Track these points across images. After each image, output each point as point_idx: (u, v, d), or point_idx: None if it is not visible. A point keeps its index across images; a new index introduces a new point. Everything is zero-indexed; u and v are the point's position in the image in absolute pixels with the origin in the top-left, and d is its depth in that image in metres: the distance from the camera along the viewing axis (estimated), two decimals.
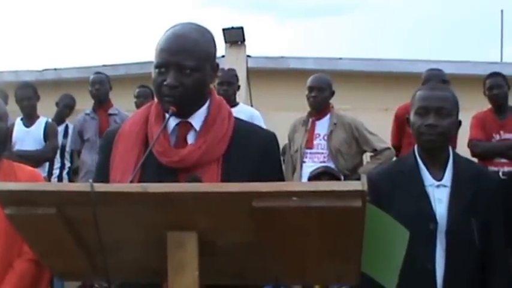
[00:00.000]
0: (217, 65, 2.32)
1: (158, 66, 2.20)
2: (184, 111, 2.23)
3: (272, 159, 2.32)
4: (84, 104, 7.37)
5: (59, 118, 7.51)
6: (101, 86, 6.90)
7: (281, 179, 2.40)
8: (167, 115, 2.22)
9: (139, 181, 2.12)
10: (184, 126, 2.25)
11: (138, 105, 6.89)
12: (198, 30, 2.26)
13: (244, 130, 2.31)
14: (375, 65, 9.67)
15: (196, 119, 2.25)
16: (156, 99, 2.31)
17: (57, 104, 7.78)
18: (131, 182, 2.02)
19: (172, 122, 2.25)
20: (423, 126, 2.88)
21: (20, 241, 2.85)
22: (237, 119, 2.34)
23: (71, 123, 7.38)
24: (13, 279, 3.11)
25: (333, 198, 1.60)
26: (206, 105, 2.28)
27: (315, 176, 5.14)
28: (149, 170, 2.16)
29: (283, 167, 3.99)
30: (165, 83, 2.18)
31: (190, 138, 2.25)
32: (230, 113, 2.32)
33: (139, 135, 2.26)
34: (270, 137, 2.36)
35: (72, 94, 8.04)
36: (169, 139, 2.24)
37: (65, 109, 7.73)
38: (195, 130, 2.25)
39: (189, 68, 2.17)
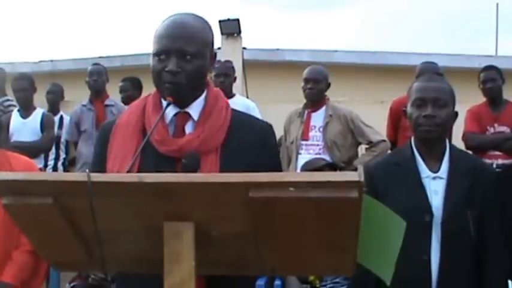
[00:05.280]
0: (215, 54, 2.33)
1: (158, 53, 2.21)
2: (183, 100, 2.24)
3: (269, 149, 2.34)
4: (80, 96, 7.36)
5: (52, 108, 7.49)
6: (99, 77, 6.90)
7: (278, 169, 2.41)
8: (165, 104, 2.22)
9: (138, 170, 2.13)
10: (183, 116, 2.26)
11: (124, 100, 7.02)
12: (197, 19, 2.28)
13: (242, 121, 2.32)
14: (370, 57, 9.67)
15: (194, 109, 2.26)
16: (155, 89, 2.31)
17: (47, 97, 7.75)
18: (129, 171, 2.03)
19: (171, 112, 2.25)
20: (421, 117, 2.88)
21: (18, 232, 2.87)
22: (234, 110, 2.35)
23: (66, 114, 7.37)
24: (12, 271, 3.13)
25: (329, 188, 1.61)
26: (203, 95, 2.29)
27: (319, 169, 5.12)
28: (148, 159, 2.17)
29: None
30: (166, 69, 2.18)
31: (189, 128, 2.25)
32: (227, 104, 2.33)
33: (137, 126, 2.26)
34: (267, 128, 2.37)
35: (66, 85, 8.03)
36: (168, 129, 2.24)
37: (52, 96, 7.67)
38: (193, 120, 2.25)
39: (190, 54, 2.18)
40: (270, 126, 2.41)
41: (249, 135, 2.27)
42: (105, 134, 2.33)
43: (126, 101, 6.93)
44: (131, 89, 7.22)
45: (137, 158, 2.12)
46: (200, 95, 2.29)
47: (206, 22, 2.31)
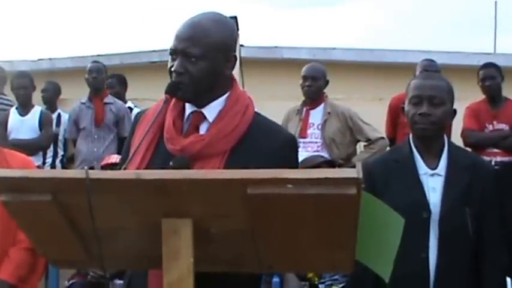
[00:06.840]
0: (235, 56, 2.27)
1: (170, 52, 2.21)
2: (191, 100, 2.22)
3: (284, 161, 2.09)
4: (79, 94, 7.35)
5: (49, 106, 7.49)
6: (98, 74, 6.89)
7: None
8: (185, 103, 2.24)
9: (147, 166, 2.15)
10: (197, 116, 2.23)
11: (114, 96, 7.10)
12: (214, 20, 2.23)
13: (262, 127, 2.24)
14: (368, 55, 9.65)
15: (210, 110, 2.22)
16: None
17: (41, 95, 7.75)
18: (125, 168, 2.04)
19: (188, 110, 2.24)
20: (417, 115, 2.88)
21: (15, 229, 2.87)
22: (258, 115, 2.29)
23: (64, 112, 7.38)
24: (10, 269, 3.13)
25: (328, 185, 1.60)
26: (224, 97, 2.25)
27: (317, 166, 5.12)
28: (158, 155, 2.19)
29: None
30: (172, 69, 2.18)
31: (203, 128, 2.22)
32: (247, 108, 2.26)
33: (158, 119, 2.23)
34: (286, 139, 2.27)
35: (65, 83, 8.03)
36: (182, 127, 2.23)
37: (46, 94, 7.67)
38: (209, 121, 2.22)
39: (195, 56, 2.15)
40: (292, 137, 2.35)
41: (265, 143, 2.18)
42: (134, 123, 2.37)
43: (116, 96, 7.09)
44: (117, 86, 7.39)
45: (147, 153, 2.17)
46: (220, 96, 2.24)
47: (226, 24, 2.27)
